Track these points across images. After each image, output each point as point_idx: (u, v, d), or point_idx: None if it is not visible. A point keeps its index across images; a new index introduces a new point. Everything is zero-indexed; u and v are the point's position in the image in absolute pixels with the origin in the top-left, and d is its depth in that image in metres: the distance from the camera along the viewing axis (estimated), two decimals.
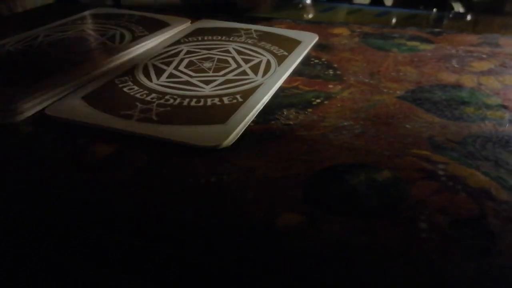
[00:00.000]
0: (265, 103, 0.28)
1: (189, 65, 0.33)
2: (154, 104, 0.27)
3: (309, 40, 0.38)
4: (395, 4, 0.58)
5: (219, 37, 0.38)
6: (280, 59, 0.34)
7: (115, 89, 0.30)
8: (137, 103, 0.28)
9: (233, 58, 0.34)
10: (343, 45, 0.37)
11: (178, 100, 0.28)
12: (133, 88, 0.30)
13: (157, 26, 0.41)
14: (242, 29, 0.41)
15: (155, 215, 0.19)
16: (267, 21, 0.44)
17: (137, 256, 0.19)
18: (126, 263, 0.20)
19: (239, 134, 0.25)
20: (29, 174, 0.22)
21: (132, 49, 0.36)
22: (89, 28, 0.42)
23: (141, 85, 0.30)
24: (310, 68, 0.33)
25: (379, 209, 0.19)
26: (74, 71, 0.31)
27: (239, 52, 0.35)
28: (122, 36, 0.39)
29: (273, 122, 0.26)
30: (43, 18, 0.45)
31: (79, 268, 0.21)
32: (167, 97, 0.28)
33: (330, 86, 0.30)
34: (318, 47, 0.37)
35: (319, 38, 0.39)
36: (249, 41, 0.37)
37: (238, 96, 0.28)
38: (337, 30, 0.41)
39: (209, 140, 0.24)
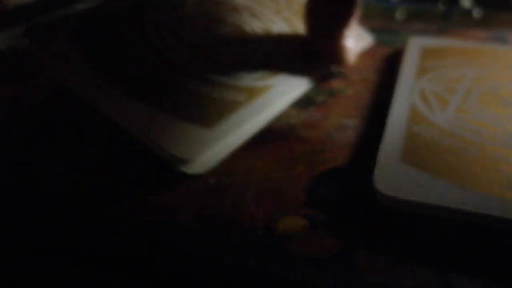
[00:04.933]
0: (269, 119, 0.23)
1: None
2: None
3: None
4: None
5: None
6: None
7: None
8: None
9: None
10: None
11: None
12: None
13: None
14: None
15: (153, 218, 0.19)
16: None
17: (135, 259, 0.18)
18: (124, 267, 0.19)
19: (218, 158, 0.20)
20: (30, 174, 0.22)
21: None
22: None
23: None
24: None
25: (383, 211, 0.19)
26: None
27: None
28: None
29: (274, 121, 0.25)
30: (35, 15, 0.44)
31: (79, 273, 0.20)
32: None
33: (334, 83, 0.29)
34: None
35: None
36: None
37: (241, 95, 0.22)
38: None
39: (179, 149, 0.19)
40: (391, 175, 0.19)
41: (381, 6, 0.45)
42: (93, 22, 0.23)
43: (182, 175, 0.21)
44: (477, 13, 0.43)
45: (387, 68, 0.31)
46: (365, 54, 0.33)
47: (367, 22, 0.41)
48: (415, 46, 0.32)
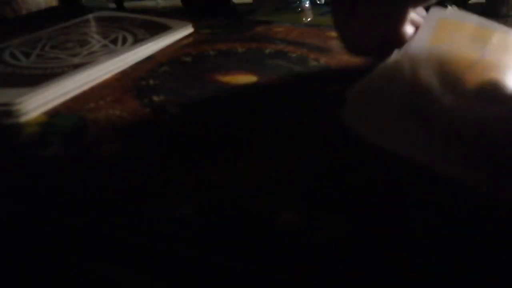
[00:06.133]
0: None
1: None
2: None
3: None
4: None
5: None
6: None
7: None
8: None
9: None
10: (341, 48, 0.38)
11: None
12: None
13: (159, 30, 0.42)
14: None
15: (156, 213, 0.20)
16: (267, 24, 0.45)
17: (138, 253, 0.19)
18: (128, 260, 0.20)
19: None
20: (34, 174, 0.23)
21: (133, 51, 0.37)
22: (92, 31, 0.42)
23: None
24: (309, 69, 0.34)
25: (377, 207, 0.20)
26: None
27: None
28: (125, 39, 0.40)
29: (272, 122, 0.27)
30: (47, 21, 0.46)
31: (84, 266, 0.21)
32: None
33: (328, 87, 0.31)
34: (316, 49, 0.38)
35: (318, 40, 0.39)
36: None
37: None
38: (335, 33, 0.42)
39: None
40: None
41: None
42: None
43: (185, 173, 0.22)
44: None
45: None
46: (357, 60, 0.35)
47: None
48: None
